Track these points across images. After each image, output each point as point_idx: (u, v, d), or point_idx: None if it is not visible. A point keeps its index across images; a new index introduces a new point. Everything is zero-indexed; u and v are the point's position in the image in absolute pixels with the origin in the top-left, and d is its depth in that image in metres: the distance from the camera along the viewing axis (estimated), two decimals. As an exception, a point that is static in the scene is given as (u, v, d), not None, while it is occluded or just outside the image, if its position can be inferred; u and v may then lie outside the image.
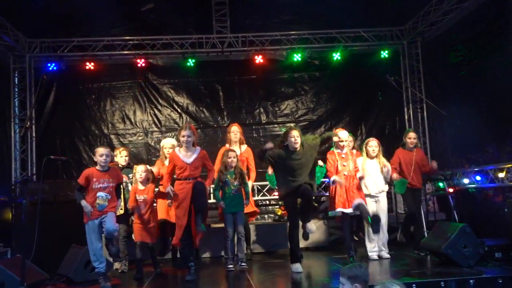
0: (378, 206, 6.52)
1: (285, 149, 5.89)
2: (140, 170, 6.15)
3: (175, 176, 5.84)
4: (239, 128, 6.99)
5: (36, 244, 5.37)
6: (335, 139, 6.28)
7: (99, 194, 5.41)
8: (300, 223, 5.93)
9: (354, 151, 6.71)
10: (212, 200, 7.48)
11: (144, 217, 6.08)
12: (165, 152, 6.74)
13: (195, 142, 5.87)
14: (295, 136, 5.81)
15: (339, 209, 6.21)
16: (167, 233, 6.87)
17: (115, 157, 6.93)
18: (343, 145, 6.38)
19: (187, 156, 5.73)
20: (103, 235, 5.56)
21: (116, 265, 6.68)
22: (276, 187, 6.34)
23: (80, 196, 5.42)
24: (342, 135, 6.38)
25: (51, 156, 5.49)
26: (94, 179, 5.44)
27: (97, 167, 5.54)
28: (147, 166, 6.44)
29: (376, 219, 6.13)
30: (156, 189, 6.53)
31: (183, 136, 5.70)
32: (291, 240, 5.95)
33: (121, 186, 5.89)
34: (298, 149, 5.85)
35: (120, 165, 6.70)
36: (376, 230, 6.16)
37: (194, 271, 5.69)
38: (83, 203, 5.37)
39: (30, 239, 5.36)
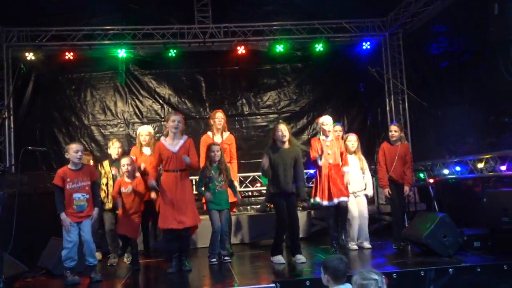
0: (357, 199, 6.56)
1: (274, 145, 5.89)
2: (125, 163, 5.96)
3: (162, 167, 5.72)
4: (224, 115, 6.85)
5: (15, 237, 5.28)
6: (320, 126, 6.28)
7: (75, 195, 5.24)
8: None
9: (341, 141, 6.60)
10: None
11: (128, 211, 5.89)
12: (141, 140, 6.68)
13: (182, 132, 5.75)
14: (283, 130, 5.83)
15: (317, 199, 6.19)
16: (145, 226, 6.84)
17: (108, 149, 6.86)
18: (328, 129, 6.24)
19: (173, 145, 5.61)
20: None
21: (109, 262, 6.60)
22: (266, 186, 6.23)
23: (61, 206, 5.22)
24: (326, 119, 6.30)
25: (29, 147, 5.36)
26: (68, 179, 5.25)
27: (70, 166, 5.35)
28: (132, 157, 6.32)
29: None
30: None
31: (173, 121, 5.58)
32: (277, 237, 5.92)
33: (98, 184, 5.76)
34: (285, 144, 5.86)
35: (113, 158, 6.61)
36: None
37: (176, 264, 5.65)
38: (63, 217, 5.19)
39: (8, 231, 5.27)
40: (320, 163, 6.18)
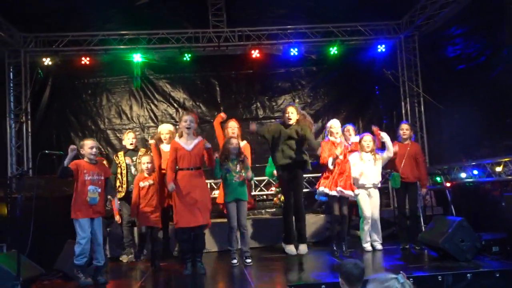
0: (371, 200, 6.69)
1: (283, 123, 6.44)
2: (145, 161, 6.22)
3: (177, 167, 5.77)
4: (237, 124, 6.96)
5: (32, 239, 5.33)
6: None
7: (90, 187, 5.35)
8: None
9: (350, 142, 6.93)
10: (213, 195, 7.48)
11: (150, 203, 6.10)
12: (162, 137, 6.83)
13: (195, 132, 5.89)
14: (290, 112, 6.39)
15: (321, 188, 6.40)
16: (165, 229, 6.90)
17: (123, 140, 7.20)
18: (336, 131, 6.56)
19: (187, 144, 5.69)
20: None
21: (124, 258, 6.85)
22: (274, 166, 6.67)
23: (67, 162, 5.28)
24: (333, 122, 6.66)
25: (46, 151, 5.42)
26: (85, 171, 5.38)
27: (85, 159, 5.50)
28: (151, 155, 6.47)
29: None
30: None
31: (185, 121, 5.68)
32: (284, 220, 6.34)
33: (111, 182, 5.91)
34: (292, 124, 6.38)
35: (127, 148, 6.95)
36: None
37: (191, 266, 5.66)
38: (67, 161, 5.24)
39: (25, 234, 5.32)
40: (331, 166, 6.36)
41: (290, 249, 6.21)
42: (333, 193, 6.33)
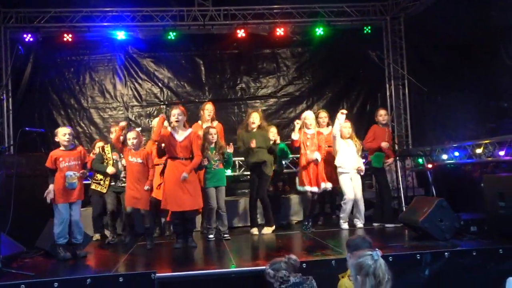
0: (353, 182, 6.94)
1: (246, 128, 6.89)
2: (131, 137, 6.12)
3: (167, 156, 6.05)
4: (213, 107, 7.26)
5: (12, 217, 5.29)
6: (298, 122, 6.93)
7: (68, 173, 5.48)
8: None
9: (326, 129, 7.35)
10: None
11: (136, 181, 6.03)
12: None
13: (186, 123, 6.07)
14: (254, 118, 6.83)
15: (307, 187, 6.80)
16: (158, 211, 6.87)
17: (110, 134, 7.10)
18: (310, 123, 6.87)
19: (178, 135, 5.89)
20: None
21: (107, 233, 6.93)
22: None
23: (51, 179, 5.55)
24: (308, 114, 7.00)
25: (27, 128, 5.36)
26: (60, 159, 5.53)
27: (61, 148, 5.61)
28: (137, 130, 6.37)
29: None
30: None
31: (173, 115, 5.87)
32: (250, 210, 7.04)
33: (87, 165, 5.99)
34: (254, 129, 6.83)
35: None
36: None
37: (183, 242, 5.94)
38: (50, 187, 5.53)
39: (6, 212, 5.28)
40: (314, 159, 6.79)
41: (253, 231, 6.85)
42: (310, 188, 6.81)
